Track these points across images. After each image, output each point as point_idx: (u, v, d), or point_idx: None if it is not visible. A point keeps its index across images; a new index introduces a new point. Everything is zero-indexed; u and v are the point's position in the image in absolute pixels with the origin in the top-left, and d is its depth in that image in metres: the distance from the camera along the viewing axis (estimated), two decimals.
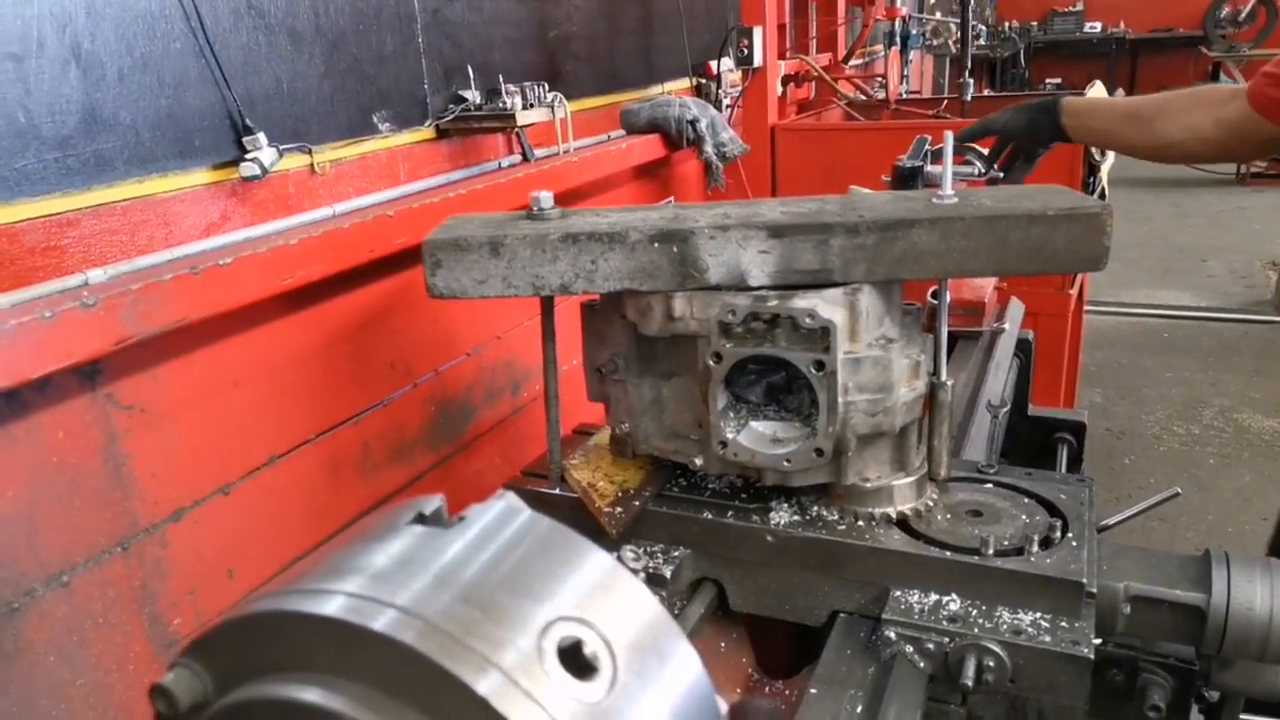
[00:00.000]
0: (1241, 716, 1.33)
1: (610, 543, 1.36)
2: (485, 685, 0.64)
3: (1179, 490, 1.48)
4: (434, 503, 0.78)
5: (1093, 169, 3.14)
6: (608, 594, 0.73)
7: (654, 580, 1.34)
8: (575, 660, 0.67)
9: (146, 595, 1.32)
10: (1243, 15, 11.67)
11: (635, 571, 1.32)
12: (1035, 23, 13.52)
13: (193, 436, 1.38)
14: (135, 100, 1.61)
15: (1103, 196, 3.10)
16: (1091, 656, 1.12)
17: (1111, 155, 3.19)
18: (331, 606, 0.68)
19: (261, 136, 1.76)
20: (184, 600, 1.37)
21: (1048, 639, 1.15)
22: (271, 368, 1.52)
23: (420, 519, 0.77)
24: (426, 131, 2.27)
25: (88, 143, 1.52)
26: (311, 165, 1.92)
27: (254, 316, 1.48)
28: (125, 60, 1.58)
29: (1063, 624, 1.17)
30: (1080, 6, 13.54)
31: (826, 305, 1.23)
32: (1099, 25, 13.32)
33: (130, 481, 1.28)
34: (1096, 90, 3.33)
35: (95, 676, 1.26)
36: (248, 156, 1.74)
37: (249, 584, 1.40)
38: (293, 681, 0.69)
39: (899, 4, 4.54)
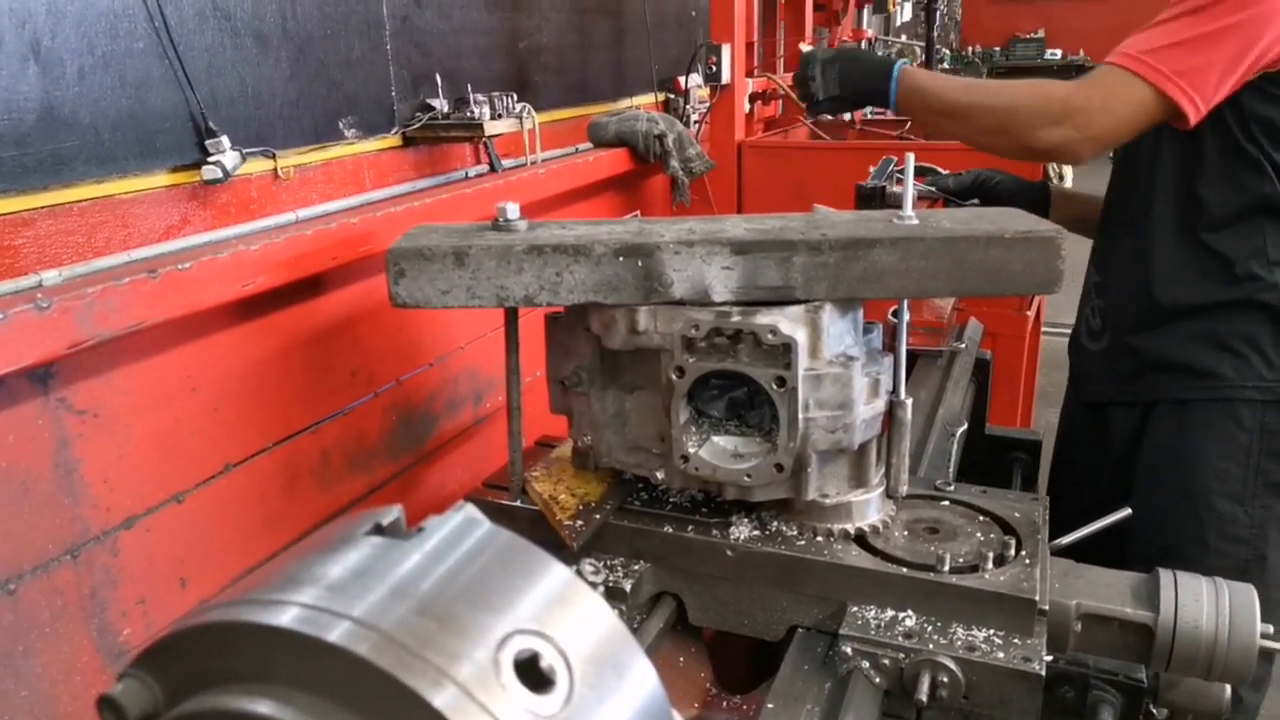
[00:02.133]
0: None
1: (571, 556, 1.36)
2: (440, 698, 0.63)
3: (1130, 510, 1.51)
4: (392, 513, 0.78)
5: None
6: (566, 607, 0.73)
7: (614, 594, 1.35)
8: (532, 673, 0.67)
9: (96, 604, 1.29)
10: None
11: (595, 585, 1.32)
12: (998, 48, 13.80)
13: (147, 443, 1.36)
14: (96, 100, 1.59)
15: None
16: (1043, 673, 1.14)
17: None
18: (285, 617, 0.67)
19: (224, 139, 1.74)
20: (134, 609, 1.35)
21: (1001, 655, 1.16)
22: (230, 374, 1.50)
23: (378, 530, 0.77)
24: (393, 139, 2.26)
25: (45, 142, 1.49)
26: (275, 170, 1.91)
27: (213, 322, 1.46)
28: (86, 59, 1.56)
29: (1015, 641, 1.19)
30: (1041, 34, 13.84)
31: (788, 322, 1.24)
32: (1059, 52, 13.62)
33: (81, 488, 1.26)
34: None
35: (41, 687, 1.23)
36: (210, 159, 1.72)
37: (202, 593, 1.38)
38: (245, 693, 0.68)
39: (865, 26, 4.60)
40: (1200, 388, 1.77)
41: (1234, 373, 1.74)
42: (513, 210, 1.38)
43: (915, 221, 1.29)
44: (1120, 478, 1.89)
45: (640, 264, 1.28)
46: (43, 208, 1.48)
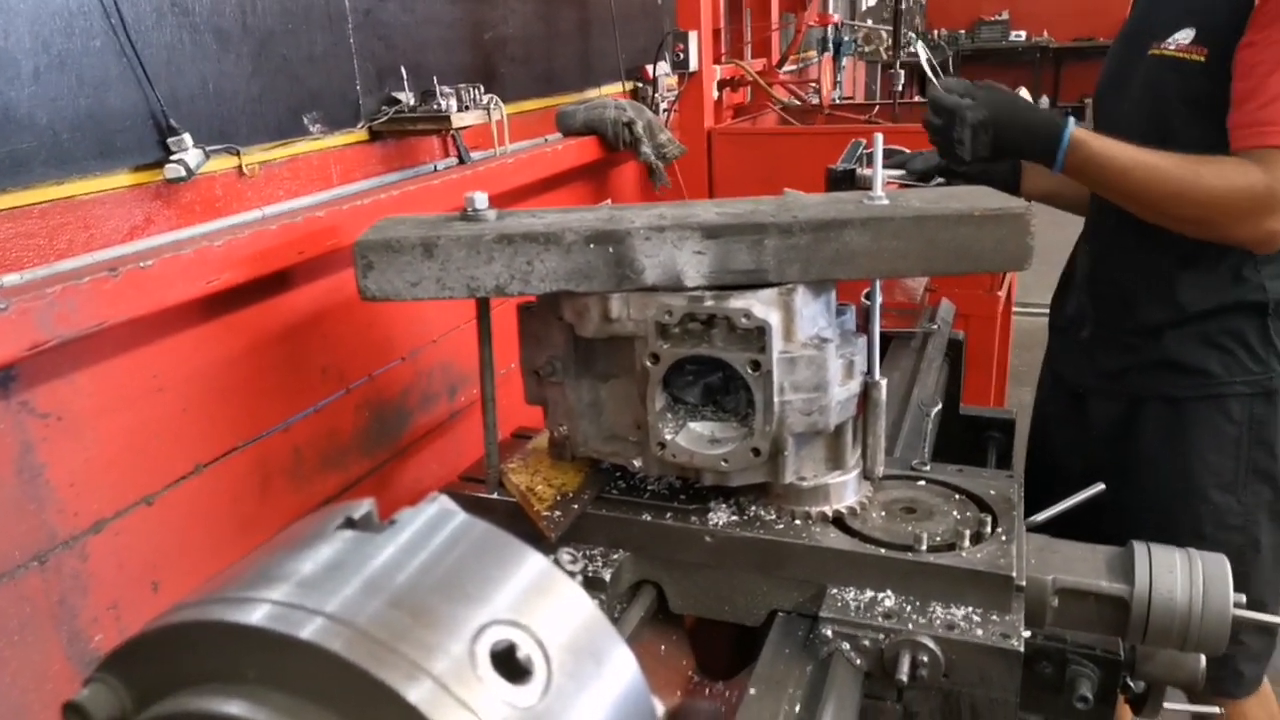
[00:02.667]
0: (1165, 705, 1.38)
1: (549, 546, 1.35)
2: (416, 693, 0.62)
3: (1104, 485, 1.52)
4: (363, 507, 0.76)
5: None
6: (542, 597, 0.73)
7: (593, 583, 1.34)
8: (509, 664, 0.66)
9: (65, 611, 1.27)
10: None
11: (573, 574, 1.31)
12: (963, 31, 13.87)
13: (114, 445, 1.33)
14: (53, 99, 1.55)
15: (1028, 200, 3.18)
16: (1022, 649, 1.15)
17: None
18: (257, 615, 0.66)
19: (187, 137, 1.71)
20: (105, 615, 1.33)
21: (979, 633, 1.17)
22: (197, 373, 1.48)
23: (349, 523, 0.75)
24: (359, 133, 2.23)
25: (1, 143, 1.46)
26: (240, 167, 1.88)
27: (178, 320, 1.43)
28: (41, 58, 1.52)
29: (994, 618, 1.20)
30: (1006, 15, 13.93)
31: (761, 305, 1.24)
32: (1024, 34, 13.71)
33: (47, 492, 1.24)
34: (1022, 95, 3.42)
35: (11, 696, 1.20)
36: (172, 158, 1.69)
37: (174, 597, 1.36)
38: (217, 693, 0.67)
39: (831, 11, 4.61)
40: (1191, 385, 1.78)
41: (1222, 369, 1.75)
42: (481, 200, 1.37)
43: (885, 202, 1.29)
44: (1100, 462, 1.88)
45: (611, 251, 1.27)
46: (1, 210, 1.45)
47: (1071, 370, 2.01)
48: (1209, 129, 1.60)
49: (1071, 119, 1.61)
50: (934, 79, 1.70)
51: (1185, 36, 1.63)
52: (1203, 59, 1.59)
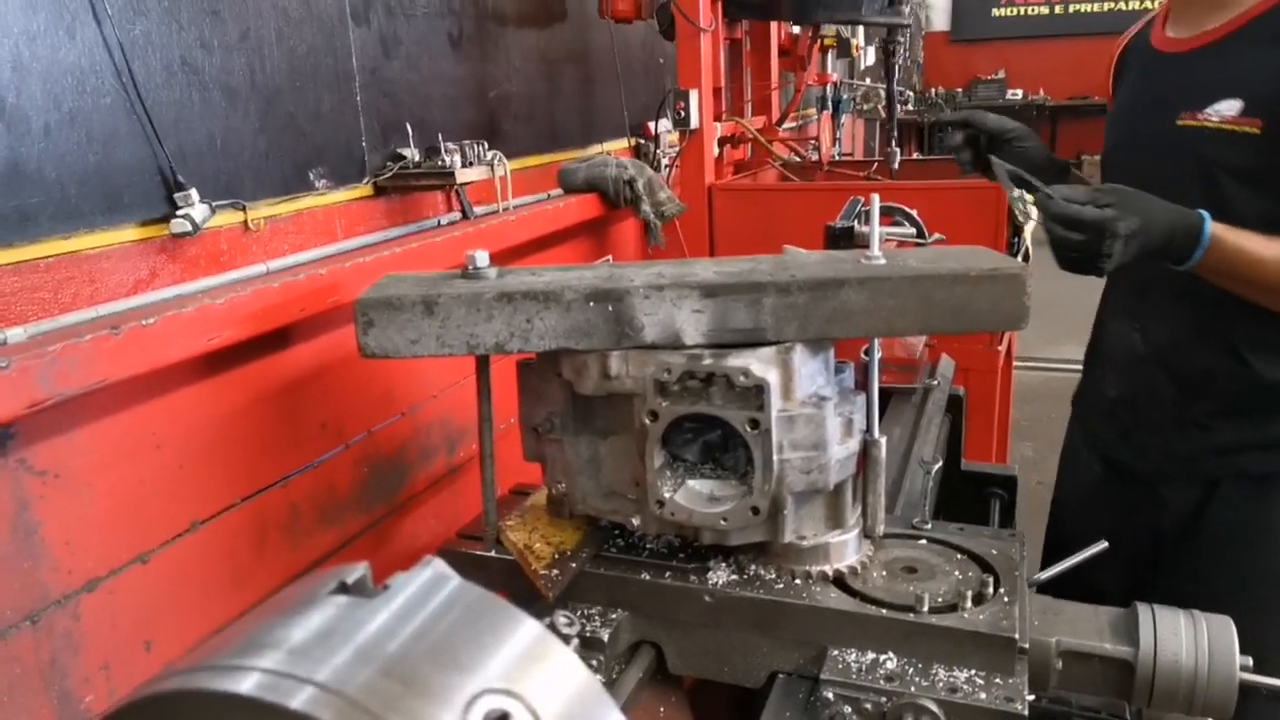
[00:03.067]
0: None
1: (547, 606, 1.34)
2: None
3: (1107, 544, 1.51)
4: (357, 571, 0.76)
5: (1017, 230, 3.25)
6: (536, 664, 0.72)
7: (591, 644, 1.32)
8: None
9: (56, 671, 1.25)
10: None
11: (570, 636, 1.30)
12: (960, 89, 14.10)
13: (110, 502, 1.33)
14: (62, 155, 1.58)
15: (1027, 257, 3.20)
16: (1025, 712, 1.13)
17: (1035, 216, 3.30)
18: (246, 684, 0.65)
19: (193, 192, 1.74)
20: (97, 675, 1.31)
21: (983, 696, 1.15)
22: (196, 430, 1.48)
23: (343, 588, 0.75)
24: (364, 189, 2.26)
25: (10, 198, 1.48)
26: (245, 222, 1.90)
27: (178, 377, 1.44)
28: (52, 115, 1.55)
29: (997, 680, 1.18)
30: (1002, 75, 14.17)
31: (760, 364, 1.24)
32: (1020, 92, 13.93)
33: (41, 551, 1.23)
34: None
35: None
36: (179, 213, 1.71)
37: (168, 656, 1.35)
38: None
39: (830, 70, 4.69)
40: (1276, 460, 1.66)
41: None
42: (481, 258, 1.38)
43: (882, 261, 1.30)
44: (1160, 550, 1.77)
45: (611, 309, 1.28)
46: (7, 264, 1.46)
47: (1122, 455, 1.87)
48: (1274, 202, 1.55)
49: (1206, 215, 1.50)
50: (1045, 190, 1.53)
51: (1230, 108, 1.56)
52: (1258, 131, 1.53)
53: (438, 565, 0.79)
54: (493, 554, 1.46)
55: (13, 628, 1.19)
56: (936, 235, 2.02)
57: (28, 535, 1.21)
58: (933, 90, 13.65)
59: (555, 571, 1.37)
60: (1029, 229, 3.12)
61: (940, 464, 1.90)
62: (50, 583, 1.24)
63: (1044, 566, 1.41)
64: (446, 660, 0.68)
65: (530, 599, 1.29)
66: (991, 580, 1.31)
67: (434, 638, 0.70)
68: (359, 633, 0.69)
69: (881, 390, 1.37)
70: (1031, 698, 1.18)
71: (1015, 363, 3.99)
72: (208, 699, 0.66)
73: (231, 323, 1.45)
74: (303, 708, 0.63)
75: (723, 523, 1.29)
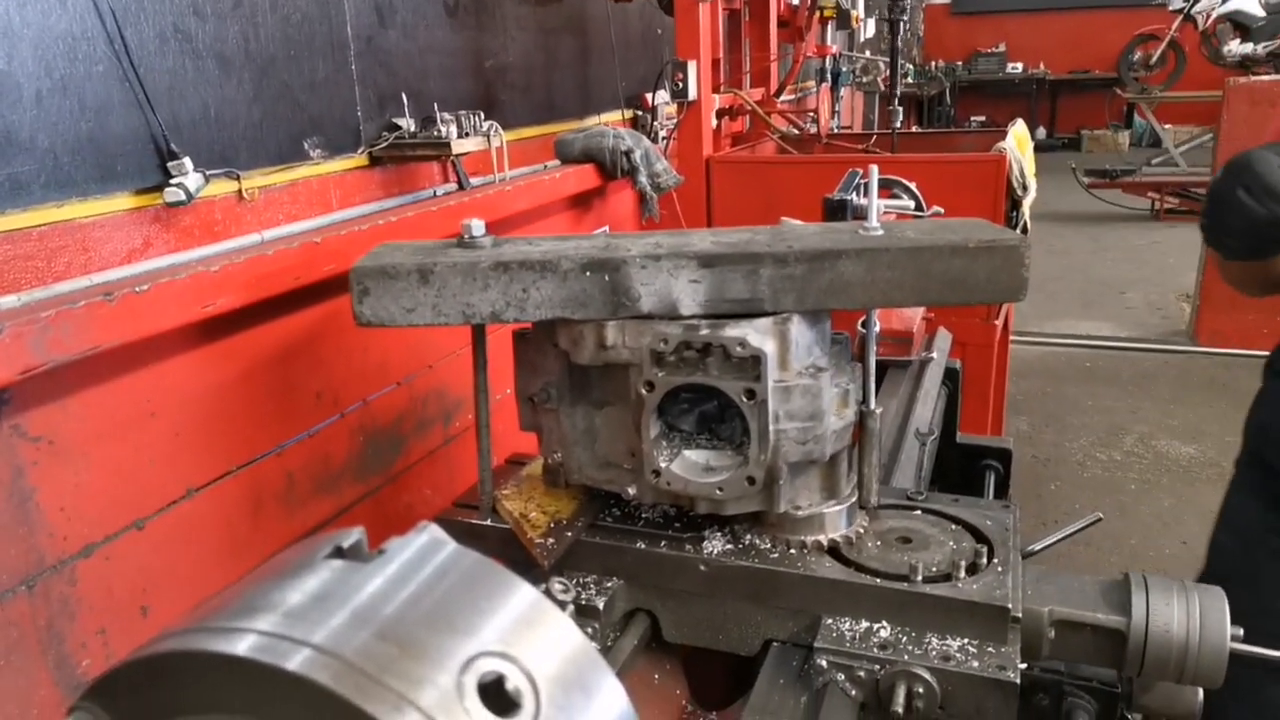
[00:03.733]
0: None
1: (542, 574, 1.35)
2: None
3: (1101, 515, 1.52)
4: (353, 536, 0.76)
5: (1015, 204, 3.24)
6: (532, 628, 0.72)
7: (586, 612, 1.33)
8: (497, 697, 0.66)
9: (53, 635, 1.26)
10: (1154, 59, 12.25)
11: (565, 603, 1.30)
12: (960, 62, 14.01)
13: (105, 469, 1.33)
14: (54, 123, 1.57)
15: (1025, 230, 3.20)
16: (1018, 681, 1.14)
17: (1034, 190, 3.30)
18: (242, 645, 0.66)
19: (187, 162, 1.72)
20: (94, 640, 1.31)
21: (975, 664, 1.16)
22: (191, 398, 1.48)
23: (338, 553, 0.75)
24: (359, 159, 2.25)
25: (2, 165, 1.47)
26: (240, 191, 1.89)
27: (172, 345, 1.43)
28: (44, 82, 1.54)
29: (990, 649, 1.19)
30: (1003, 48, 14.07)
31: (757, 334, 1.24)
32: (1020, 66, 13.85)
33: (37, 516, 1.23)
34: (1019, 128, 3.45)
35: None
36: (172, 182, 1.70)
37: (165, 622, 1.35)
38: None
39: (830, 42, 4.65)
40: None
41: None
42: (478, 227, 1.37)
43: (880, 232, 1.29)
44: None
45: (607, 279, 1.27)
46: (0, 233, 1.45)
47: None
48: None
49: None
50: None
51: None
52: None
53: (433, 530, 0.79)
54: (489, 523, 1.47)
55: (9, 592, 1.19)
56: (935, 208, 2.02)
57: (23, 501, 1.21)
58: (933, 63, 13.55)
59: (551, 540, 1.37)
60: (1027, 202, 3.12)
61: (936, 436, 1.90)
62: (46, 548, 1.25)
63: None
64: (442, 624, 0.69)
65: (526, 568, 1.30)
66: (985, 550, 1.32)
67: (430, 601, 0.70)
68: (355, 596, 0.70)
69: (878, 362, 1.37)
70: (1024, 666, 1.19)
71: (1012, 337, 4.00)
72: (204, 660, 0.66)
73: (226, 290, 1.44)
74: (299, 669, 0.63)
75: (718, 493, 1.29)
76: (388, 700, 0.62)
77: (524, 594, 0.74)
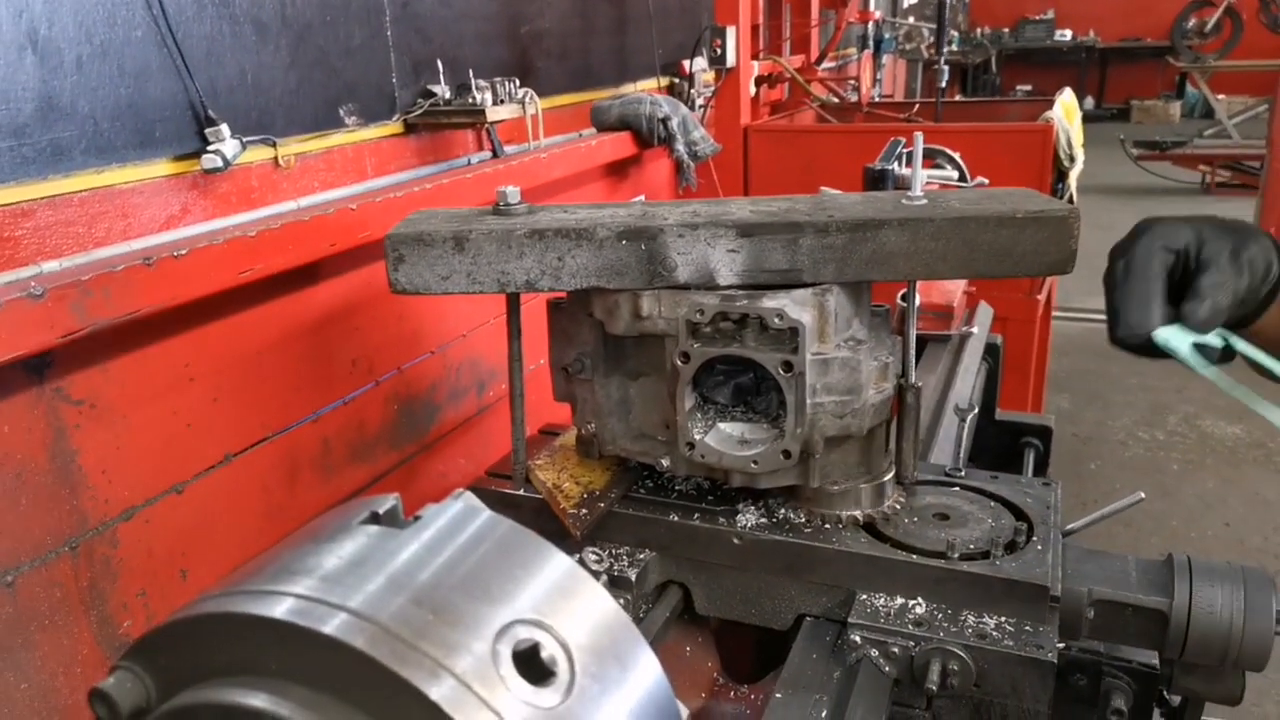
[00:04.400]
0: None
1: (575, 544, 1.35)
2: (438, 691, 0.62)
3: (1143, 495, 1.49)
4: (388, 502, 0.76)
5: (1061, 175, 3.17)
6: (566, 597, 0.72)
7: (619, 583, 1.33)
8: (532, 664, 0.66)
9: (95, 596, 1.28)
10: (1209, 26, 11.89)
11: (598, 574, 1.30)
12: (1007, 29, 13.70)
13: (145, 433, 1.34)
14: (94, 89, 1.57)
15: (1071, 202, 3.12)
16: (1055, 660, 1.12)
17: (1081, 161, 3.22)
18: (280, 609, 0.66)
19: (224, 128, 1.72)
20: (135, 601, 1.34)
21: (1012, 643, 1.14)
22: (228, 363, 1.49)
23: (374, 518, 0.75)
24: (394, 126, 2.24)
25: (44, 131, 1.48)
26: (276, 158, 1.89)
27: (210, 310, 1.45)
28: (84, 48, 1.54)
29: (1027, 628, 1.17)
30: (1051, 14, 13.73)
31: (795, 306, 1.22)
32: (1069, 33, 13.51)
33: (79, 479, 1.25)
34: (1066, 97, 3.37)
35: (40, 680, 1.22)
36: (210, 148, 1.70)
37: (203, 585, 1.37)
38: (239, 685, 0.66)
39: (872, 8, 4.56)
40: None
41: None
42: (513, 194, 1.36)
43: (924, 202, 1.26)
44: None
45: (644, 247, 1.26)
46: (42, 198, 1.46)
47: None
48: None
49: None
50: None
51: None
52: None
53: (468, 498, 0.79)
54: (522, 493, 1.47)
55: (53, 553, 1.22)
56: (979, 179, 1.97)
57: (65, 463, 1.23)
58: (978, 30, 13.27)
59: (584, 511, 1.37)
60: (1074, 174, 3.05)
61: (975, 412, 1.87)
62: (88, 510, 1.27)
63: None
64: (478, 590, 0.68)
65: (559, 538, 1.30)
66: (1025, 528, 1.30)
67: (465, 568, 0.70)
68: (391, 562, 0.70)
69: (918, 337, 1.34)
70: (1061, 646, 1.17)
71: (1055, 312, 3.93)
72: (242, 623, 0.66)
73: (262, 256, 1.45)
74: (335, 633, 0.63)
75: (753, 466, 1.28)
76: (424, 666, 0.62)
77: (559, 563, 0.74)
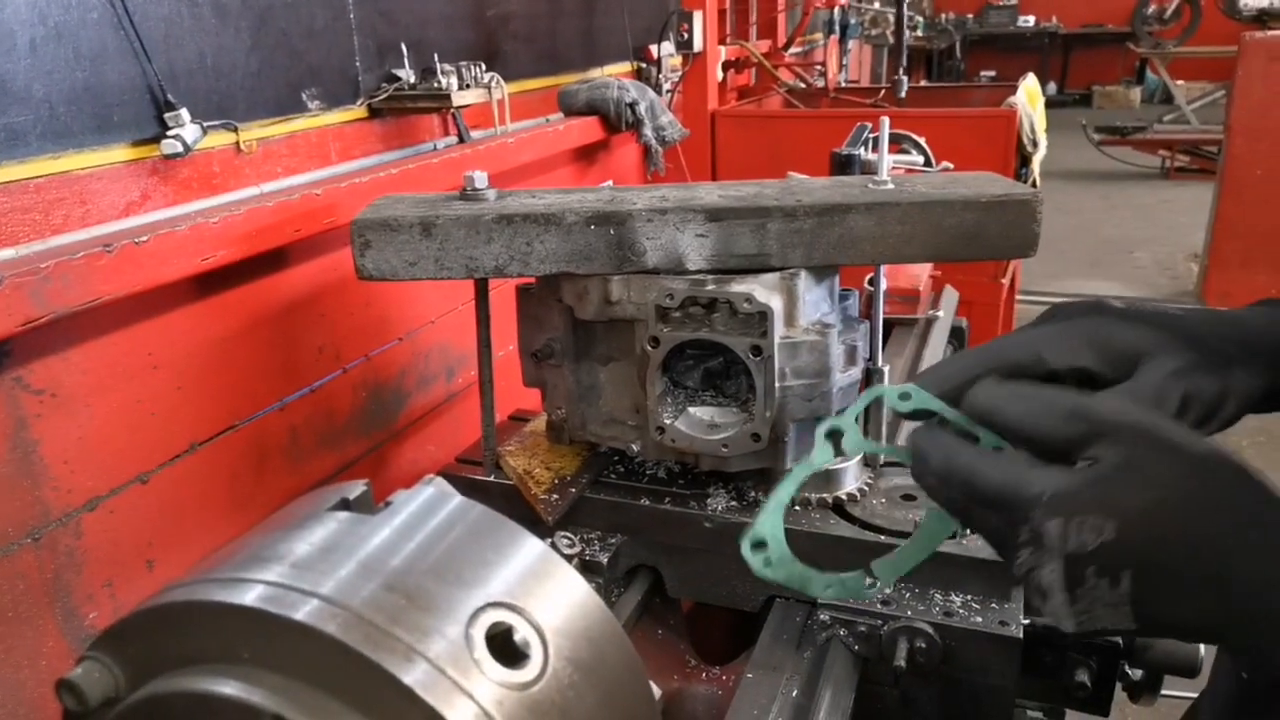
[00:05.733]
0: (1163, 693, 1.37)
1: (546, 530, 1.35)
2: (412, 675, 0.62)
3: None
4: (358, 488, 0.76)
5: (1025, 160, 3.21)
6: (539, 580, 0.72)
7: (591, 567, 1.33)
8: (505, 647, 0.66)
9: (60, 588, 1.26)
10: (1168, 13, 12.05)
11: (570, 558, 1.31)
12: (971, 15, 13.79)
13: (108, 422, 1.33)
14: (49, 72, 1.54)
15: (1034, 187, 3.16)
16: (1021, 636, 1.14)
17: (1044, 146, 3.26)
18: (250, 596, 0.66)
19: (184, 112, 1.69)
20: (101, 593, 1.32)
21: (978, 620, 1.16)
22: (193, 351, 1.47)
23: (344, 505, 0.75)
24: (358, 110, 2.21)
25: None
26: (237, 143, 1.86)
27: (173, 298, 1.43)
28: (38, 30, 1.50)
29: (993, 605, 1.19)
30: (1015, 0, 13.84)
31: (764, 290, 1.23)
32: (1032, 19, 13.63)
33: (41, 469, 1.23)
34: (1029, 83, 3.40)
35: (5, 673, 1.20)
36: (170, 133, 1.67)
37: (170, 575, 1.35)
38: (210, 674, 0.66)
39: None
40: None
41: None
42: (480, 179, 1.35)
43: (891, 187, 1.27)
44: None
45: (612, 232, 1.26)
46: None
47: None
48: None
49: None
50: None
51: None
52: None
53: (439, 483, 0.79)
54: (492, 479, 1.47)
55: (15, 545, 1.20)
56: (944, 164, 1.99)
57: (26, 454, 1.21)
58: (943, 16, 13.34)
59: (555, 496, 1.37)
60: (1037, 159, 3.08)
61: None
62: (51, 501, 1.25)
63: None
64: (450, 575, 0.68)
65: (530, 524, 1.29)
66: None
67: (437, 553, 0.70)
68: (362, 548, 0.69)
69: (885, 321, 1.36)
70: (1027, 621, 1.20)
71: (1019, 296, 3.98)
72: (212, 611, 0.66)
73: (225, 242, 1.43)
74: (307, 619, 0.63)
75: (723, 450, 1.28)
76: (397, 651, 0.62)
77: (531, 546, 0.74)
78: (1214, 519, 0.59)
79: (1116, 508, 0.59)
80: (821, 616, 1.21)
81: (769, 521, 0.86)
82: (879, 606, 1.19)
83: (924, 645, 1.16)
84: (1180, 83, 10.32)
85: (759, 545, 0.89)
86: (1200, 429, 0.71)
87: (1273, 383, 0.74)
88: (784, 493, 0.83)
